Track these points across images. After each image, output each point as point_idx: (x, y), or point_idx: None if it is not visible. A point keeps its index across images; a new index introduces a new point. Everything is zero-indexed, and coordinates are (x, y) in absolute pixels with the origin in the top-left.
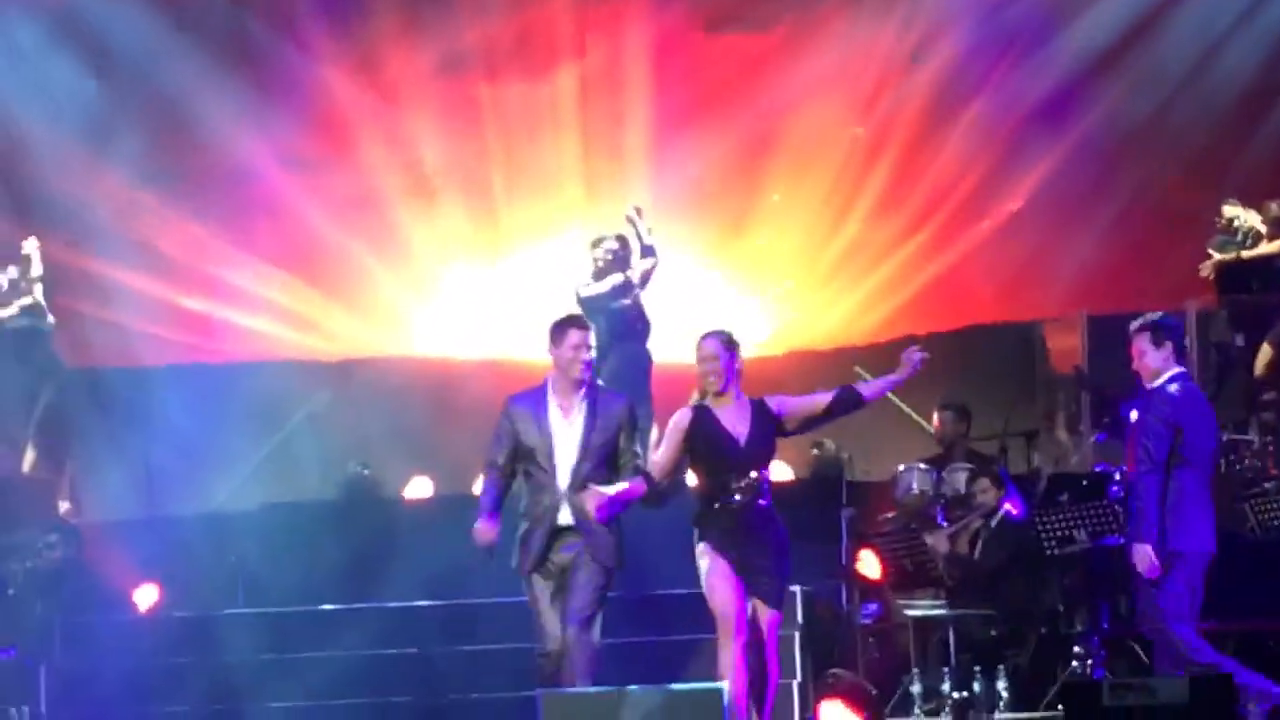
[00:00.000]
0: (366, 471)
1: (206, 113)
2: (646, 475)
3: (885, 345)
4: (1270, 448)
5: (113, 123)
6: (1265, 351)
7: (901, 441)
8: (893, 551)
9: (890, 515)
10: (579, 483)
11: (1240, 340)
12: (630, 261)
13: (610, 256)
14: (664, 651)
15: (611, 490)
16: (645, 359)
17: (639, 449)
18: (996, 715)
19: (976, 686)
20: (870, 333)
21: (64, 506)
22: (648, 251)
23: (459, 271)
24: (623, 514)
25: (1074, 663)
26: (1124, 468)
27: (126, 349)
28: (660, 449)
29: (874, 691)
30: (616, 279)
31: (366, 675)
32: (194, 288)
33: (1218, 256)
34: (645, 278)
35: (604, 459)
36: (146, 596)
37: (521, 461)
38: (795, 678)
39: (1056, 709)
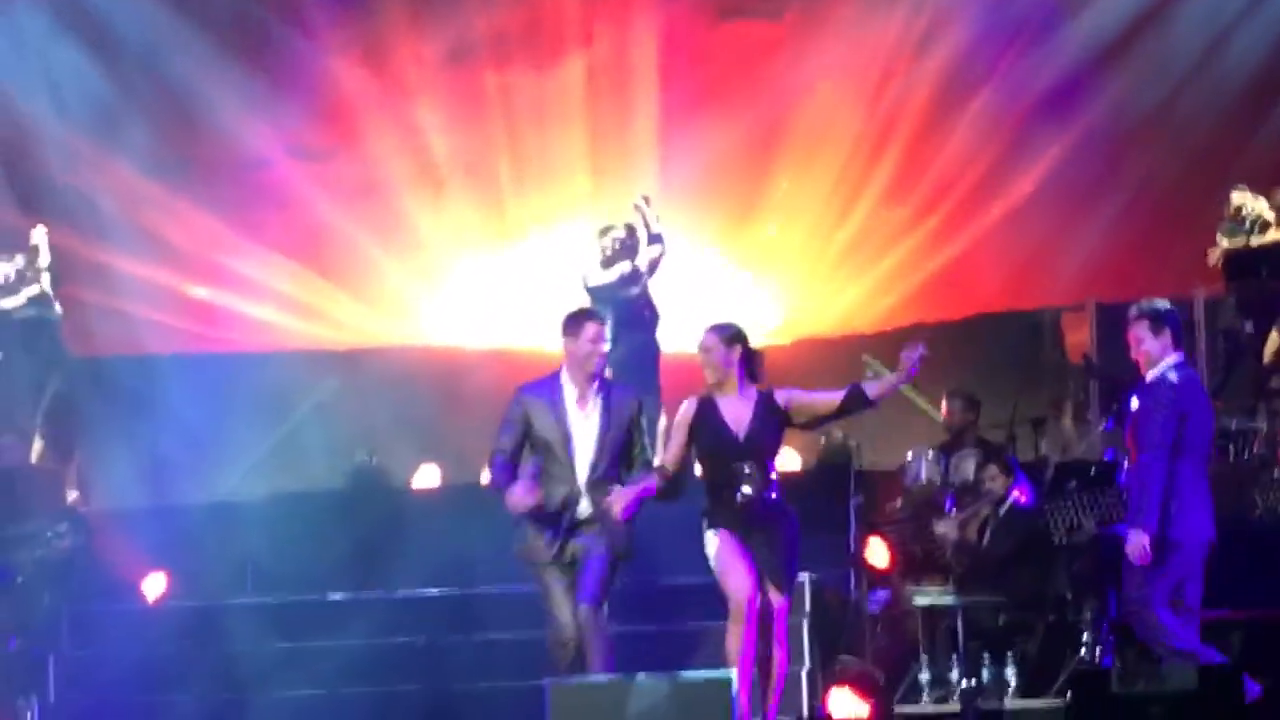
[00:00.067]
0: (374, 461)
1: (214, 102)
2: (661, 469)
3: (893, 333)
4: (1279, 435)
5: (120, 112)
6: (1274, 339)
7: (910, 430)
8: (901, 539)
9: (899, 503)
10: (597, 477)
11: (1249, 327)
12: (638, 250)
13: (618, 245)
14: (672, 640)
15: (633, 489)
16: (653, 348)
17: (648, 441)
18: (1005, 703)
19: (985, 674)
20: (878, 321)
21: (72, 496)
22: (655, 240)
23: (467, 261)
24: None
25: (1082, 650)
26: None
27: (134, 339)
28: (669, 442)
29: (882, 679)
30: (624, 268)
31: (374, 664)
32: (201, 277)
33: (1226, 244)
34: (653, 266)
35: (618, 453)
36: (154, 586)
37: (534, 452)
38: (804, 665)
39: (1065, 696)
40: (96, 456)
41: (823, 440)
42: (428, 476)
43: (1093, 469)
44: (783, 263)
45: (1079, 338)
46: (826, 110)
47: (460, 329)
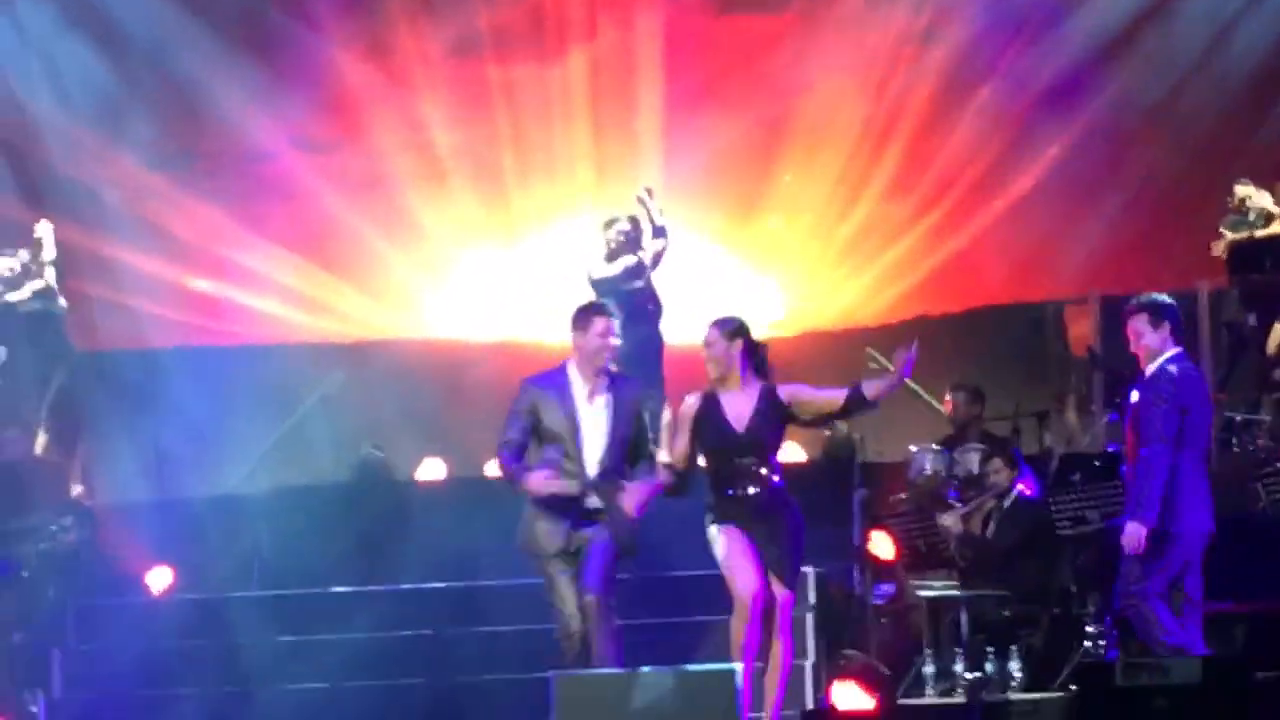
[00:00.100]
0: (379, 454)
1: (218, 95)
2: (669, 466)
3: (897, 326)
4: None
5: (124, 105)
6: (1277, 331)
7: (914, 423)
8: (905, 532)
9: (903, 496)
10: (604, 470)
11: (1252, 320)
12: (642, 243)
13: (622, 238)
14: (677, 633)
15: (644, 486)
16: (657, 341)
17: (650, 435)
18: (1010, 696)
19: (989, 667)
20: (882, 314)
21: (77, 490)
22: (659, 233)
23: (471, 254)
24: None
25: (1087, 643)
26: None
27: (138, 332)
28: (675, 438)
29: (887, 672)
30: (628, 261)
31: (379, 657)
32: (206, 270)
33: (1230, 236)
34: (657, 259)
35: (624, 446)
36: (159, 579)
37: (540, 445)
38: (808, 659)
39: (1070, 689)
40: (101, 450)
41: (827, 433)
42: (433, 469)
43: (1097, 461)
44: (786, 256)
45: (1081, 330)
46: (830, 104)
47: (464, 322)
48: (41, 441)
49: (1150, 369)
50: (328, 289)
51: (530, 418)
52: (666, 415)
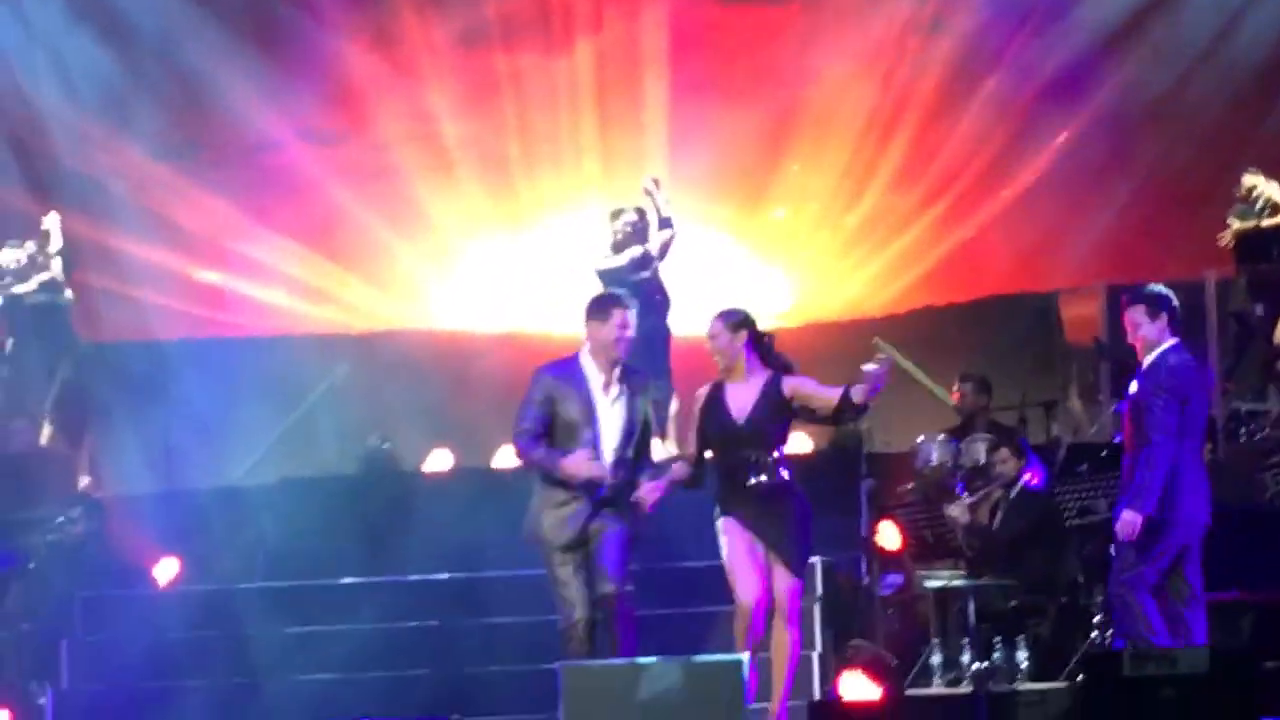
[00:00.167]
0: (386, 445)
1: (224, 86)
2: (683, 457)
3: (903, 316)
4: None
5: (130, 97)
6: None
7: (921, 413)
8: (912, 522)
9: (910, 486)
10: (617, 460)
11: (1259, 310)
12: (649, 234)
13: (629, 229)
14: (685, 624)
15: (661, 480)
16: (664, 332)
17: (658, 425)
18: (1017, 685)
19: (997, 657)
20: (888, 304)
21: (84, 481)
22: (665, 223)
23: (477, 245)
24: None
25: (1094, 633)
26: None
27: (145, 324)
28: (688, 430)
29: (894, 662)
30: (635, 252)
31: (385, 648)
32: (212, 262)
33: (1237, 225)
34: (664, 250)
35: (635, 436)
36: (166, 571)
37: (556, 435)
38: (815, 649)
39: (1077, 679)
40: (107, 442)
41: None
42: (440, 460)
43: (1104, 451)
44: (793, 246)
45: (1076, 314)
46: (836, 94)
47: (471, 313)
48: (46, 433)
49: (1148, 360)
50: (334, 280)
51: (546, 406)
52: (674, 406)
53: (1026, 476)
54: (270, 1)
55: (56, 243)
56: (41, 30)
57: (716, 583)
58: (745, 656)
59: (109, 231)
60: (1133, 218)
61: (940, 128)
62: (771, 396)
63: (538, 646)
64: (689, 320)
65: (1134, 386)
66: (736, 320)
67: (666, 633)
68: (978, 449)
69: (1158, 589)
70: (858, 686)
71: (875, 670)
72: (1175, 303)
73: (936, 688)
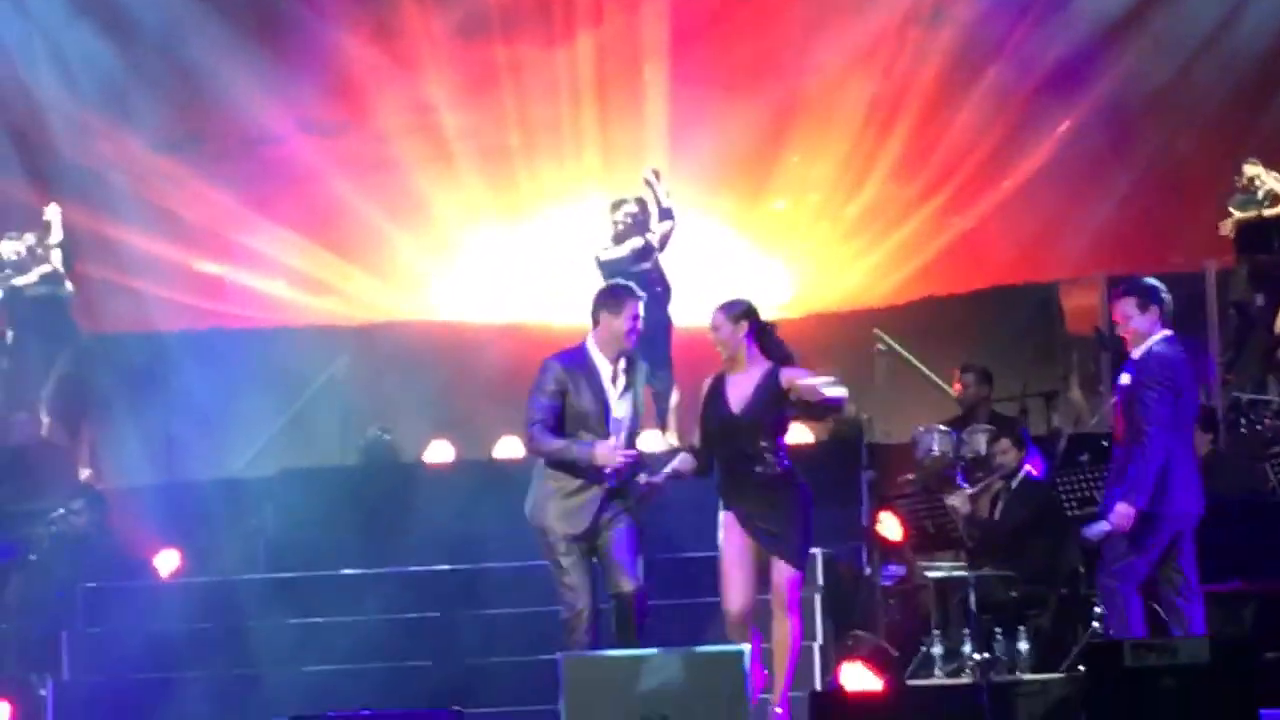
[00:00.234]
0: (387, 436)
1: (225, 79)
2: (692, 447)
3: (904, 307)
4: None
5: (130, 89)
6: None
7: (922, 404)
8: (913, 513)
9: (910, 477)
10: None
11: (1260, 300)
12: (649, 225)
13: (630, 220)
14: (689, 614)
15: (668, 471)
16: (665, 323)
17: (660, 416)
18: (1018, 676)
19: (997, 648)
20: (889, 295)
21: (85, 473)
22: (665, 214)
23: (478, 236)
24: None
25: (1095, 623)
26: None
27: (145, 315)
28: (695, 419)
29: (895, 653)
30: (636, 243)
31: (386, 640)
32: (213, 253)
33: (1238, 215)
34: (664, 241)
35: (639, 427)
36: (167, 562)
37: (567, 425)
38: (816, 640)
39: (1078, 670)
40: (108, 434)
41: None
42: (440, 451)
43: (1105, 442)
44: (794, 237)
45: (1077, 304)
46: (837, 85)
47: (472, 304)
48: (45, 425)
49: (1138, 351)
50: (334, 271)
51: (559, 397)
52: (674, 397)
53: (1027, 467)
54: None
55: (57, 235)
56: (42, 22)
57: (717, 574)
58: (746, 648)
59: (109, 223)
60: (1133, 208)
61: (941, 118)
62: (769, 388)
63: (538, 637)
64: (690, 311)
65: (1125, 378)
66: (738, 311)
67: (669, 623)
68: (978, 440)
69: (1150, 581)
70: (859, 677)
71: (876, 661)
72: (1166, 294)
73: (938, 678)
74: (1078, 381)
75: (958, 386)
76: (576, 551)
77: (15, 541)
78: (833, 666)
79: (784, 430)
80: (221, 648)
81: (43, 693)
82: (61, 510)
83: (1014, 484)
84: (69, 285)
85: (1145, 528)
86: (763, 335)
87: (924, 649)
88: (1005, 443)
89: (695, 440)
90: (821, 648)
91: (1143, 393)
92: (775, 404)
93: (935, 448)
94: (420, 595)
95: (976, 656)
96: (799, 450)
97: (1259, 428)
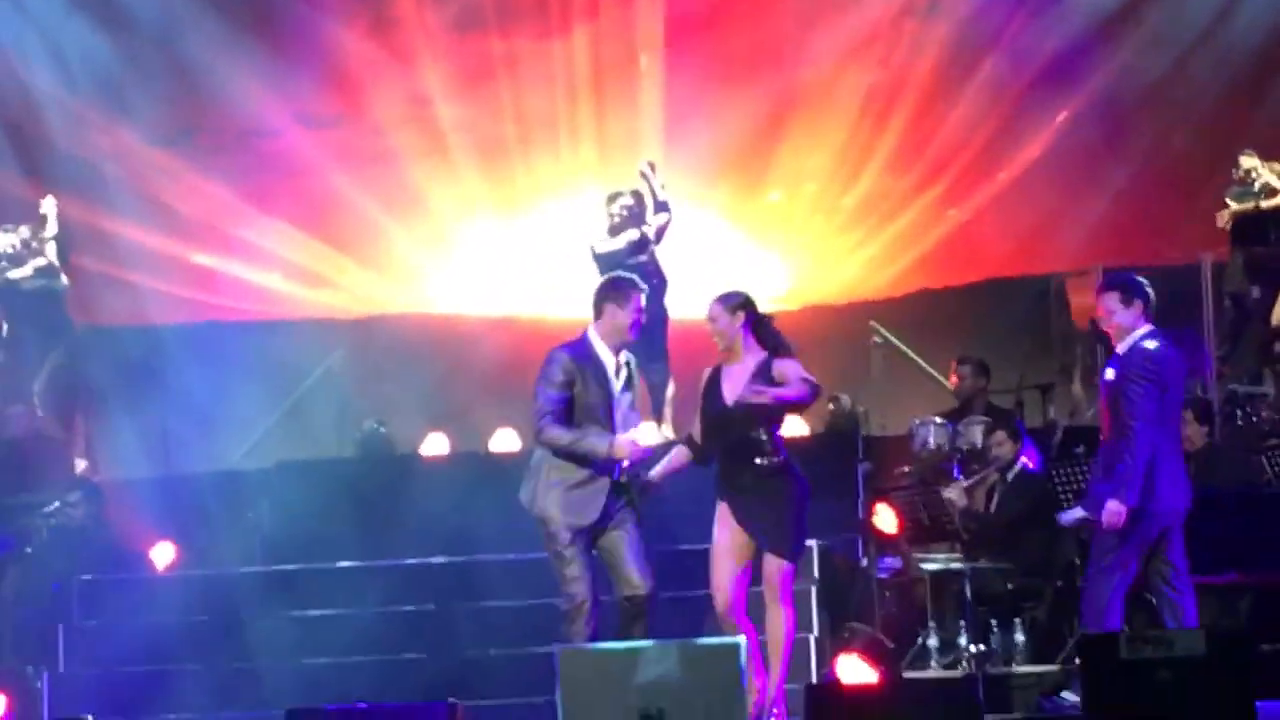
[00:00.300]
0: (383, 429)
1: (221, 71)
2: (689, 438)
3: (900, 299)
4: None
5: (126, 81)
6: None
7: (918, 396)
8: (909, 505)
9: (906, 469)
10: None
11: (1256, 292)
12: (645, 217)
13: (626, 213)
14: (685, 606)
15: (668, 462)
16: (662, 315)
17: (655, 408)
18: (1014, 668)
19: (993, 640)
20: (885, 287)
21: (81, 465)
22: (661, 207)
23: (473, 229)
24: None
25: None
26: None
27: (142, 309)
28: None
29: (891, 645)
30: (632, 235)
31: (382, 632)
32: (208, 246)
33: (1235, 206)
34: (660, 233)
35: (637, 417)
36: (163, 555)
37: (575, 416)
38: (812, 632)
39: (1074, 662)
40: (104, 427)
41: (830, 406)
42: (436, 444)
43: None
44: (790, 229)
45: (1084, 301)
46: (833, 77)
47: (467, 297)
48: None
49: (1122, 347)
50: (330, 264)
51: (568, 389)
52: (671, 389)
53: (1023, 460)
54: None
55: (52, 228)
56: (38, 15)
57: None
58: (743, 640)
59: (105, 216)
60: (1130, 201)
61: (937, 111)
62: (762, 379)
63: (535, 630)
64: (687, 303)
65: (1109, 373)
66: (735, 302)
67: (664, 616)
68: (974, 432)
69: (1140, 575)
70: (854, 669)
71: (872, 653)
72: (1150, 289)
73: (933, 670)
74: (1079, 375)
75: (954, 379)
76: (581, 542)
77: (11, 534)
78: (828, 658)
79: (778, 421)
80: (217, 640)
81: (38, 685)
82: (58, 503)
83: (1010, 476)
84: (64, 278)
85: (1133, 524)
86: (759, 326)
87: (920, 641)
88: (1001, 435)
89: (695, 431)
90: (817, 640)
91: (1127, 387)
92: None
93: (931, 440)
94: (416, 588)
95: (972, 649)
96: (794, 443)
97: (1255, 420)
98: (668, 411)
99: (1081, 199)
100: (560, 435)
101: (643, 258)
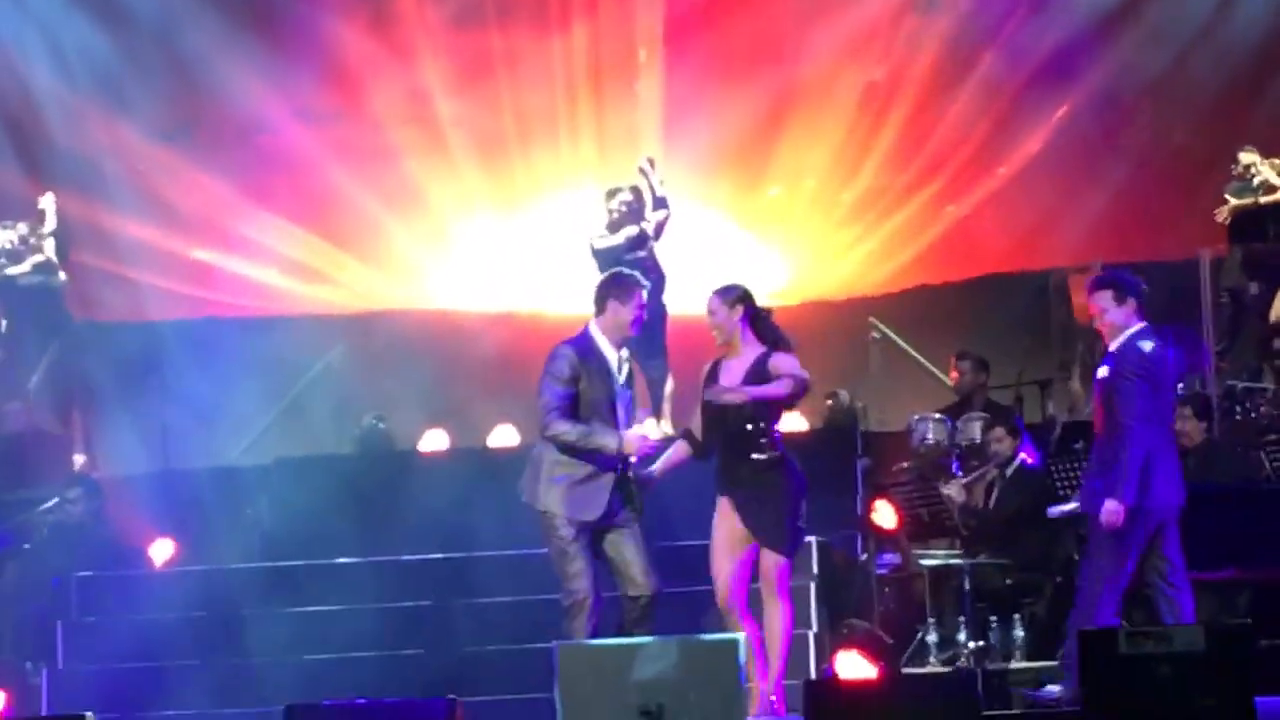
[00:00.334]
0: (382, 425)
1: (220, 67)
2: (689, 432)
3: (899, 295)
4: None
5: (125, 77)
6: None
7: (917, 391)
8: (908, 501)
9: (905, 465)
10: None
11: (1255, 288)
12: (644, 213)
13: (625, 208)
14: (686, 601)
15: (668, 458)
16: (661, 311)
17: (654, 404)
18: (1012, 664)
19: (992, 635)
20: (884, 283)
21: (80, 461)
22: (660, 203)
23: (473, 225)
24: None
25: None
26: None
27: (140, 305)
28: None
29: (890, 641)
30: (631, 231)
31: (381, 628)
32: (207, 242)
33: (1234, 202)
34: (659, 229)
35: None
36: (162, 551)
37: (580, 411)
38: (811, 628)
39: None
40: (102, 423)
41: (829, 402)
42: (435, 440)
43: None
44: (789, 225)
45: (1079, 296)
46: (832, 73)
47: (466, 293)
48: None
49: (1115, 344)
50: (329, 260)
51: (574, 384)
52: (669, 385)
53: (1022, 455)
54: None
55: (51, 224)
56: (37, 11)
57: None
58: (742, 636)
59: (104, 212)
60: (1129, 197)
61: (936, 106)
62: (758, 373)
63: (533, 626)
64: (686, 299)
65: (1103, 371)
66: (734, 296)
67: (663, 612)
68: (973, 428)
69: (1136, 571)
70: (854, 665)
71: (871, 649)
72: (1143, 287)
73: (932, 666)
74: (1078, 371)
75: (953, 374)
76: (584, 537)
77: (10, 530)
78: (828, 654)
79: (776, 416)
80: (216, 636)
81: (37, 681)
82: (57, 499)
83: (1009, 472)
84: (63, 275)
85: (1128, 521)
86: (758, 320)
87: (919, 637)
88: (1000, 431)
89: (696, 426)
90: (816, 636)
91: (1120, 385)
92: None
93: (930, 436)
94: (415, 583)
95: (971, 644)
96: (793, 438)
97: (1254, 415)
98: (666, 407)
99: (1080, 195)
100: (568, 430)
101: (641, 253)
